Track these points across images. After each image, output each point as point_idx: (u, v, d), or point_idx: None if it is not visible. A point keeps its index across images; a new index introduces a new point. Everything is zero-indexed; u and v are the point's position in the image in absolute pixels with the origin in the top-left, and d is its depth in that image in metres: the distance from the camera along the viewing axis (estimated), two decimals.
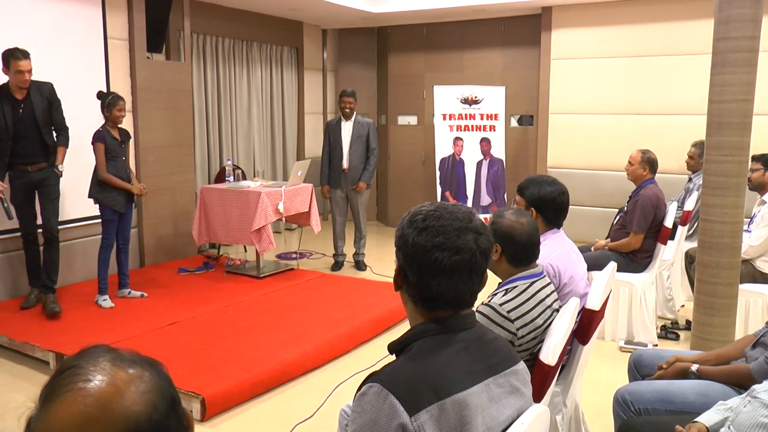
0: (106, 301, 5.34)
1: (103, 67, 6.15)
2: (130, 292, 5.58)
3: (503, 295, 2.46)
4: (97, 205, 5.34)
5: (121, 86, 6.32)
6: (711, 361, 2.74)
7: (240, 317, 5.14)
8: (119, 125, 5.34)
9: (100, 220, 5.39)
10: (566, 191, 3.18)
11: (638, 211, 4.90)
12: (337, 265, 6.98)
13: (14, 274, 5.55)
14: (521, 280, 2.51)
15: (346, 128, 6.81)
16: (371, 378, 1.43)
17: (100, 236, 5.40)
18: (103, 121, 5.28)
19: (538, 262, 2.60)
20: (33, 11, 5.54)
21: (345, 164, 6.78)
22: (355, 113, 6.85)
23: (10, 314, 5.07)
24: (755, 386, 2.11)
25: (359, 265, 7.01)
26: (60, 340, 4.48)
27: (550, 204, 3.08)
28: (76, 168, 5.73)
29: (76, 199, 5.87)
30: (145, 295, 5.59)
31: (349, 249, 7.21)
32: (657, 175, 5.13)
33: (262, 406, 3.89)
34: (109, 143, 5.21)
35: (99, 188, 5.24)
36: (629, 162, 5.17)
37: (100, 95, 5.33)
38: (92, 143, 5.20)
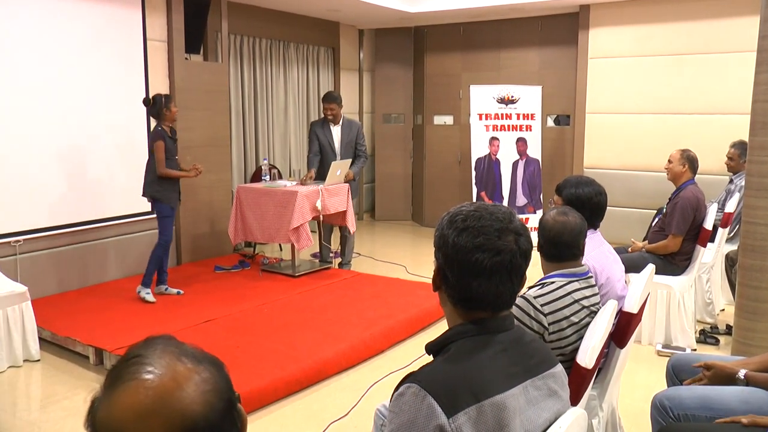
0: (149, 295, 5.45)
1: (143, 68, 6.25)
2: (167, 289, 5.66)
3: (539, 289, 2.49)
4: (151, 203, 5.51)
5: (160, 87, 6.42)
6: (753, 367, 2.67)
7: (275, 315, 5.18)
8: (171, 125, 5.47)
9: (138, 217, 5.53)
10: (604, 192, 3.16)
11: (677, 213, 4.81)
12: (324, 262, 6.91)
13: (60, 270, 5.69)
14: (560, 276, 2.53)
15: (336, 132, 6.65)
16: (409, 378, 1.43)
17: (159, 233, 5.52)
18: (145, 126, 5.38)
19: None
20: (74, 14, 5.65)
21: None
22: (342, 115, 6.71)
23: (55, 309, 5.18)
24: None
25: (344, 266, 6.87)
26: (99, 334, 4.57)
27: (586, 204, 3.06)
28: (120, 167, 5.86)
29: (112, 197, 5.99)
30: (182, 292, 5.67)
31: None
32: (697, 175, 5.03)
33: (297, 405, 3.92)
34: (167, 142, 5.36)
35: (157, 186, 5.38)
36: (669, 160, 5.08)
37: (148, 101, 5.48)
38: (152, 141, 5.35)
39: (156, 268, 5.52)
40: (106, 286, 5.90)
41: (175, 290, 5.68)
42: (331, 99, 6.66)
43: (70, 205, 5.69)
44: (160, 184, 5.38)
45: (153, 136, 5.36)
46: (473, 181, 7.95)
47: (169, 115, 5.35)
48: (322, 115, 6.74)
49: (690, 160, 4.98)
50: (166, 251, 5.59)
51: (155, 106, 5.36)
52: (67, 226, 5.68)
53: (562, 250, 2.57)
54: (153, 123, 5.55)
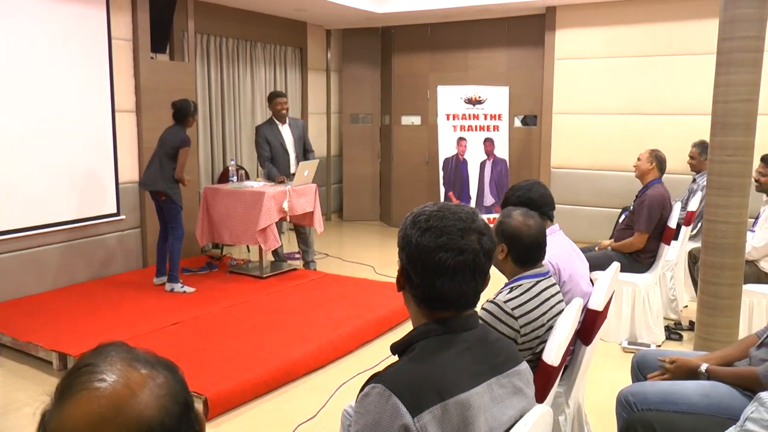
0: (183, 287, 5.73)
1: (107, 67, 6.16)
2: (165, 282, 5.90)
3: (508, 293, 2.48)
4: (164, 199, 5.71)
5: (125, 86, 6.34)
6: (715, 361, 2.73)
7: (243, 317, 5.14)
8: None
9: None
10: (537, 182, 3.20)
11: (644, 211, 4.88)
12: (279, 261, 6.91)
13: (21, 273, 5.57)
14: (526, 278, 2.53)
15: (285, 131, 6.63)
16: (374, 379, 1.43)
17: (174, 228, 5.76)
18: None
19: None
20: (37, 12, 5.55)
21: (294, 168, 6.56)
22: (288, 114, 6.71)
23: (13, 314, 5.08)
24: (761, 394, 2.09)
25: (310, 265, 6.86)
26: (63, 339, 4.49)
27: (531, 203, 3.04)
28: (86, 167, 5.76)
29: (77, 197, 5.90)
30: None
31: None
32: (663, 175, 5.12)
33: (265, 407, 3.89)
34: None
35: (173, 184, 5.65)
36: (638, 158, 5.16)
37: (177, 104, 5.68)
38: (179, 146, 5.59)
39: (178, 260, 5.76)
40: (71, 289, 5.80)
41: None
42: (281, 94, 6.70)
43: (33, 206, 5.58)
44: (175, 184, 5.66)
45: (181, 141, 5.60)
46: (441, 181, 7.97)
47: (191, 122, 5.71)
48: (269, 117, 6.69)
49: (658, 160, 5.07)
50: (165, 242, 5.85)
51: (182, 111, 5.63)
52: (30, 228, 5.57)
53: (539, 253, 2.58)
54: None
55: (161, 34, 6.80)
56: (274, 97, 6.64)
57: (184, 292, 5.70)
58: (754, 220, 4.88)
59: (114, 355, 0.94)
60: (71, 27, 5.82)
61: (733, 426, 2.03)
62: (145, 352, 0.98)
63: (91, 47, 6.02)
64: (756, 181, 4.80)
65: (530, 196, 3.11)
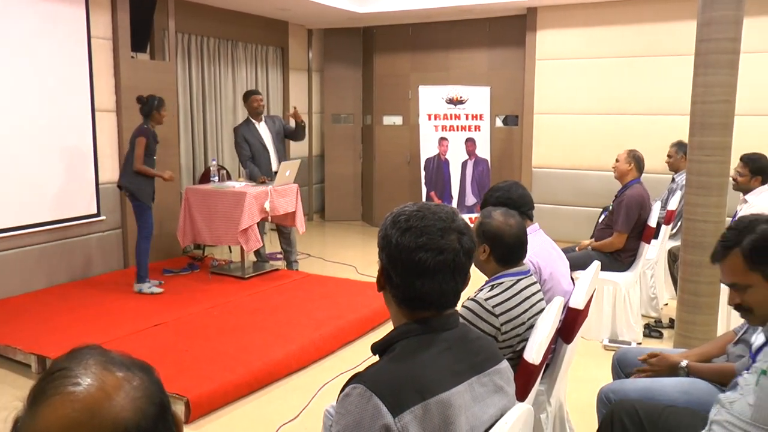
0: (151, 288, 5.64)
1: (87, 66, 6.10)
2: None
3: (489, 291, 2.49)
4: (128, 197, 5.65)
5: (105, 86, 6.29)
6: (694, 358, 2.75)
7: (225, 318, 5.12)
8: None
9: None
10: (516, 183, 3.21)
11: (623, 211, 4.92)
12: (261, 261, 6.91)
13: None
14: (507, 276, 2.54)
15: (263, 129, 6.62)
16: (355, 379, 1.43)
17: (140, 227, 5.67)
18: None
19: None
20: (15, 10, 5.49)
21: (275, 166, 6.58)
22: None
23: None
24: (720, 396, 2.12)
25: (293, 265, 6.86)
26: (42, 342, 4.44)
27: (509, 203, 3.05)
28: (64, 168, 5.71)
29: (54, 198, 5.84)
30: (162, 282, 5.91)
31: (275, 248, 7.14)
32: (643, 174, 5.16)
33: (247, 408, 3.88)
34: (150, 141, 5.53)
35: (134, 180, 5.52)
36: (616, 159, 5.20)
37: (144, 98, 5.59)
38: (135, 136, 5.49)
39: (146, 260, 5.65)
40: (51, 291, 5.74)
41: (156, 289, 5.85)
42: (256, 91, 6.71)
43: (11, 207, 5.51)
44: (137, 179, 5.52)
45: (137, 132, 5.52)
46: (423, 181, 7.99)
47: (157, 117, 5.59)
48: (246, 117, 6.68)
49: (636, 160, 5.11)
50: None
51: (147, 105, 5.55)
52: (8, 230, 5.50)
53: (521, 252, 2.60)
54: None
55: (142, 33, 6.75)
56: (249, 95, 6.65)
57: (152, 293, 5.61)
58: (731, 218, 4.93)
59: (88, 358, 0.93)
60: (49, 26, 5.76)
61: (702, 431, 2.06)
62: (120, 354, 0.97)
63: (70, 46, 5.97)
64: (734, 180, 4.87)
65: (509, 197, 3.13)
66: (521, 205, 3.11)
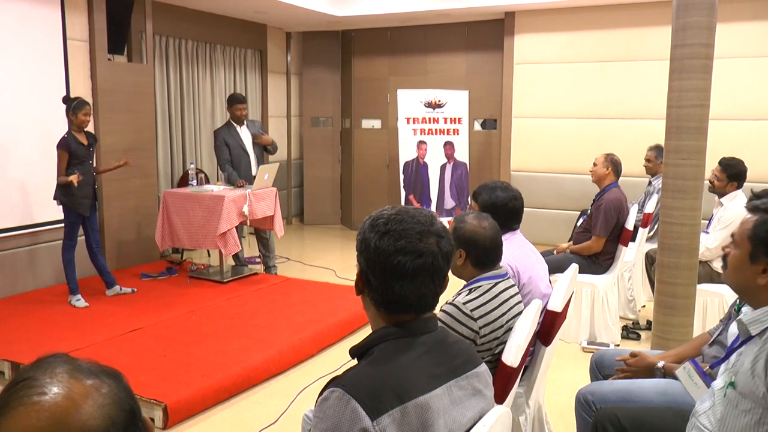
0: (79, 301, 5.38)
1: (63, 68, 6.04)
2: (121, 289, 5.70)
3: (467, 294, 2.49)
4: (61, 208, 5.36)
5: (82, 88, 6.22)
6: (671, 359, 2.78)
7: (203, 323, 5.08)
8: (85, 129, 5.34)
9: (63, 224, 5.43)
10: (519, 196, 3.21)
11: (601, 215, 4.96)
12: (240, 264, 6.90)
13: None
14: (485, 280, 2.54)
15: (244, 134, 6.59)
16: (333, 383, 1.43)
17: (63, 238, 5.43)
18: (66, 126, 5.24)
19: None
20: None
21: (255, 170, 6.52)
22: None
23: None
24: (696, 408, 2.15)
25: (271, 269, 6.82)
26: (17, 348, 4.38)
27: (501, 209, 3.10)
28: (39, 172, 5.64)
29: (29, 202, 5.78)
30: (135, 290, 5.81)
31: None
32: (620, 178, 5.21)
33: (226, 413, 3.86)
34: (75, 149, 5.22)
35: (61, 191, 5.26)
36: (593, 163, 5.24)
37: (66, 100, 5.34)
38: (57, 149, 5.19)
39: (72, 272, 5.41)
40: (23, 296, 5.66)
41: (129, 289, 5.75)
42: (243, 99, 6.63)
43: None
44: (64, 191, 5.26)
45: (58, 144, 5.20)
46: (401, 184, 8.00)
47: (75, 121, 5.22)
48: (227, 120, 6.63)
49: (613, 163, 5.16)
50: (101, 255, 5.61)
51: (67, 108, 5.26)
52: None
53: (497, 254, 2.60)
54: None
55: (119, 35, 6.69)
56: (234, 102, 6.56)
57: (74, 305, 5.35)
58: (707, 221, 5.00)
59: (55, 367, 0.91)
60: (23, 27, 5.68)
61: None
62: (88, 361, 0.95)
63: (45, 48, 5.89)
64: (710, 182, 4.93)
65: (494, 201, 3.17)
66: (510, 218, 3.15)
